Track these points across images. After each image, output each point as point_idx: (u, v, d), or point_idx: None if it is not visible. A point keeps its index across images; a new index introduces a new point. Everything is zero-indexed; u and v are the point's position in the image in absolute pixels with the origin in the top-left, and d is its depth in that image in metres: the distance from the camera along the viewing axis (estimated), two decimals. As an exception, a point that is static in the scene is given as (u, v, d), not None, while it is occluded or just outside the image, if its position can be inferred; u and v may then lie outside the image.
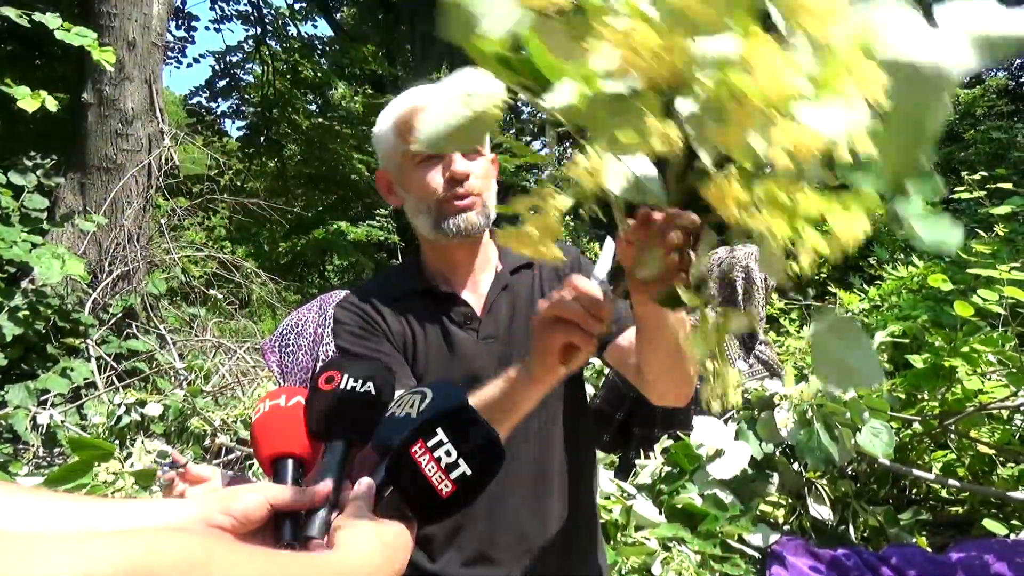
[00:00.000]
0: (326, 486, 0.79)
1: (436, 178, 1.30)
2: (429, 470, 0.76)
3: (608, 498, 2.40)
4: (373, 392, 0.87)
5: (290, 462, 0.83)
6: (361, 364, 0.90)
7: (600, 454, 2.87)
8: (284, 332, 2.24)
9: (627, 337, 1.30)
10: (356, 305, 1.38)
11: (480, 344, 1.35)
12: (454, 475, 0.76)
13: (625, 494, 2.45)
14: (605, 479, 2.49)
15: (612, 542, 2.22)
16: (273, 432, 0.84)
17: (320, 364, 2.11)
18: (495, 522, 1.31)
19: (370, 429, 0.84)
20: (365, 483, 0.78)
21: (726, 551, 2.19)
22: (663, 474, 2.47)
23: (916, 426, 2.37)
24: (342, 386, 0.86)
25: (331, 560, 0.69)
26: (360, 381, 0.87)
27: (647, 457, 2.62)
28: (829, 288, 5.61)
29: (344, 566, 0.68)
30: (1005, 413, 2.29)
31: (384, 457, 0.80)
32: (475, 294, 1.40)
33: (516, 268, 1.42)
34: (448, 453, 0.76)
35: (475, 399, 1.08)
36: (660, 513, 2.32)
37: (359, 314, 1.37)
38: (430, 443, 0.77)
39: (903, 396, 2.32)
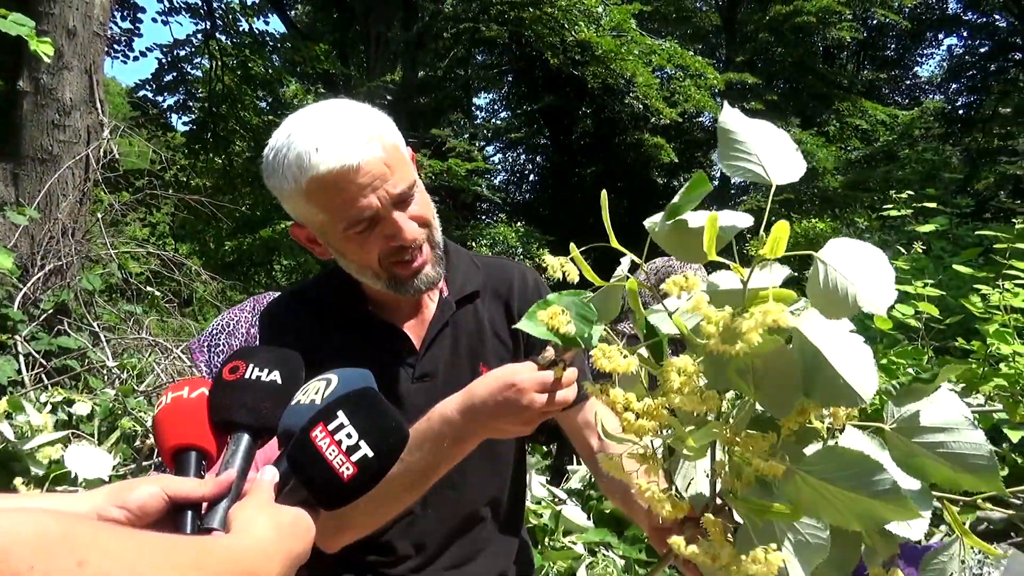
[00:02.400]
0: (228, 476, 0.77)
1: (378, 244, 1.17)
2: (330, 453, 0.74)
3: (539, 503, 2.43)
4: (279, 381, 0.85)
5: (193, 454, 0.80)
6: (267, 353, 0.88)
7: (533, 460, 2.90)
8: (214, 332, 2.21)
9: (587, 421, 1.35)
10: (281, 324, 1.31)
11: (414, 385, 1.29)
12: (355, 457, 0.75)
13: (556, 499, 2.48)
14: (536, 484, 2.52)
15: (540, 547, 2.25)
16: (175, 424, 0.81)
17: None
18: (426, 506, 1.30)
19: (276, 419, 0.83)
20: (267, 471, 0.76)
21: (651, 556, 2.23)
22: (592, 480, 2.50)
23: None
24: (246, 376, 0.85)
25: (220, 543, 0.66)
26: (266, 371, 0.85)
27: (578, 463, 2.65)
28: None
29: (234, 549, 0.65)
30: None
31: (287, 445, 0.79)
32: (416, 323, 1.33)
33: (462, 298, 1.35)
34: (349, 436, 0.75)
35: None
36: (588, 518, 2.35)
37: (282, 337, 1.28)
38: (331, 426, 0.76)
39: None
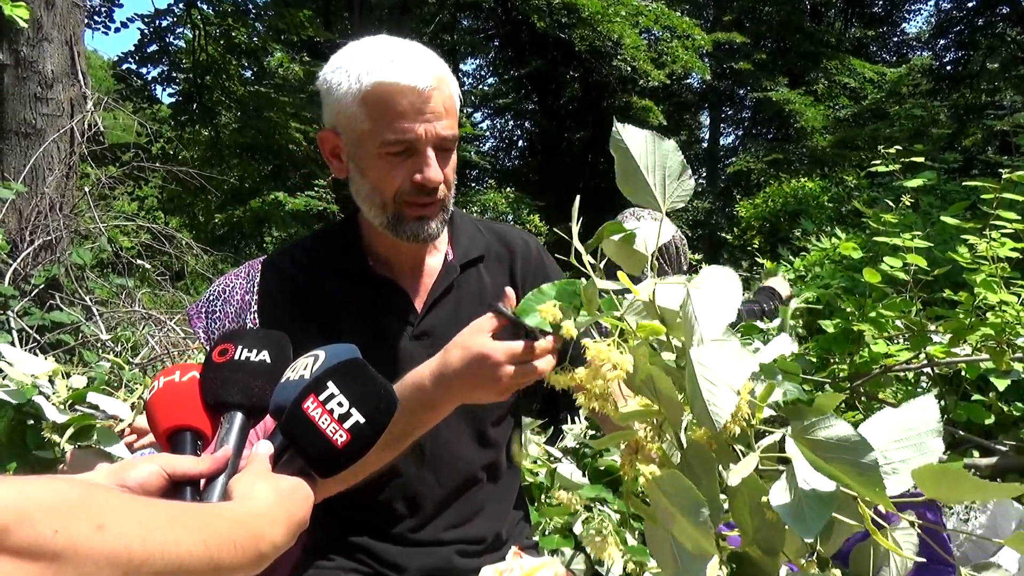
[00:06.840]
0: (224, 452, 0.80)
1: (402, 174, 1.18)
2: (323, 423, 0.77)
3: (535, 461, 2.46)
4: (268, 361, 0.87)
5: (188, 435, 0.83)
6: (255, 334, 0.90)
7: (528, 420, 2.93)
8: (211, 298, 2.22)
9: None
10: (282, 278, 1.31)
11: (412, 342, 1.29)
12: (347, 424, 0.77)
13: (551, 457, 2.51)
14: (533, 444, 2.55)
15: (536, 504, 2.29)
16: (168, 407, 0.83)
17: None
18: (430, 466, 1.33)
19: (268, 397, 0.85)
20: (261, 445, 0.79)
21: (647, 509, 2.27)
22: (588, 437, 2.54)
23: (827, 388, 2.48)
24: (236, 357, 0.86)
25: (226, 508, 0.68)
26: (255, 351, 0.87)
27: (573, 422, 2.68)
28: (758, 260, 5.77)
29: (239, 513, 0.68)
30: (911, 375, 2.42)
31: (281, 419, 0.81)
32: (417, 282, 1.33)
33: (466, 263, 1.36)
34: (340, 404, 0.78)
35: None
36: (583, 475, 2.38)
37: (283, 294, 1.29)
38: (322, 396, 0.78)
39: (815, 360, 2.43)
